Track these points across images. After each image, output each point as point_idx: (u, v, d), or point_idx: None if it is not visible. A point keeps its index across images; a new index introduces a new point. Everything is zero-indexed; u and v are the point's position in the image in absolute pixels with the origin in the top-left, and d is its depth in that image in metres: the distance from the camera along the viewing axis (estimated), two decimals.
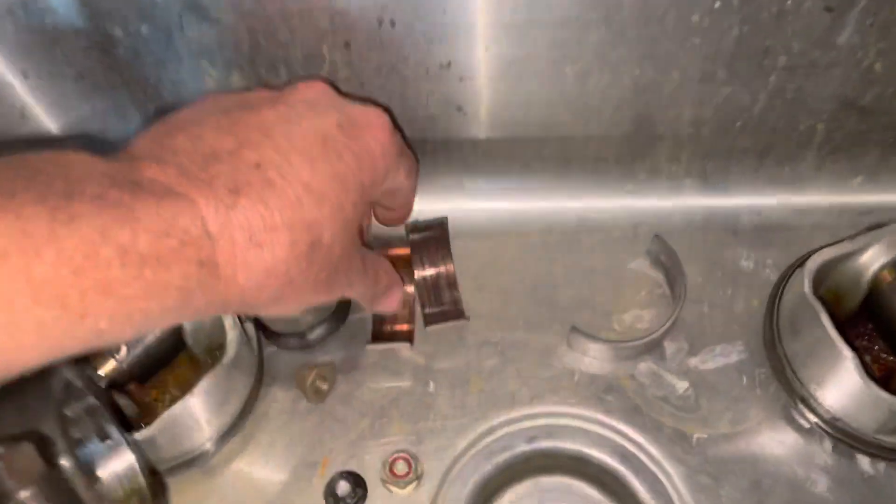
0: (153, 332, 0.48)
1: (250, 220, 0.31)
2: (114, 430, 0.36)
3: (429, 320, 0.56)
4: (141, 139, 0.34)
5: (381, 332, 0.56)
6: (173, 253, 0.28)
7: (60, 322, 0.26)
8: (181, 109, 0.37)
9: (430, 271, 0.57)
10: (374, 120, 0.39)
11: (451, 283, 0.57)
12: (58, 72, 0.51)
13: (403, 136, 0.45)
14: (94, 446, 0.36)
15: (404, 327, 0.57)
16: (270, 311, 0.35)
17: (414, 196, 0.49)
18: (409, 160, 0.43)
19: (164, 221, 0.28)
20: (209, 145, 0.32)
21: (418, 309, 0.57)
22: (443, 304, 0.57)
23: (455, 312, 0.57)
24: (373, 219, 0.52)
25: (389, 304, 0.49)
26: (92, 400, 0.35)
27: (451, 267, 0.57)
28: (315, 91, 0.39)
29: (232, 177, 0.31)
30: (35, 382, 0.32)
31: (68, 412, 0.34)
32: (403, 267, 0.56)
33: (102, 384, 0.47)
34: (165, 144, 0.32)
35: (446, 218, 0.57)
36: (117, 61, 0.51)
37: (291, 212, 0.32)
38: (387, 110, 0.40)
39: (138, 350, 0.49)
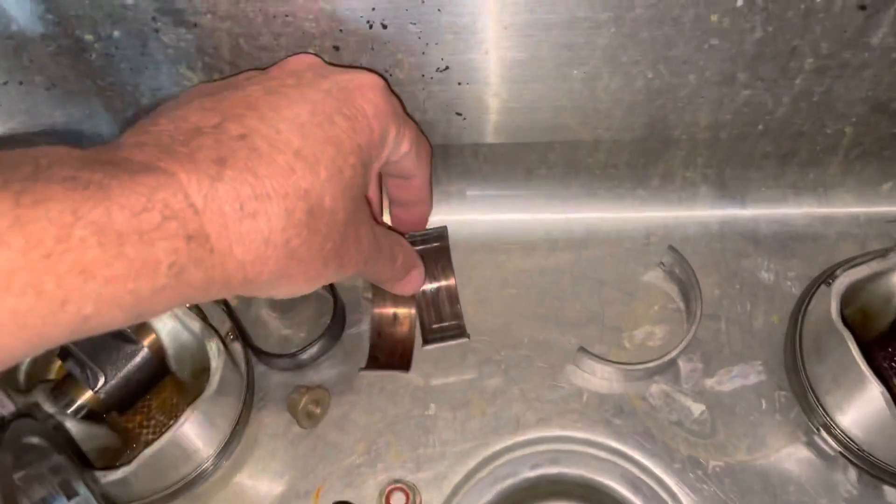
0: (157, 316, 0.46)
1: (239, 191, 0.29)
2: (81, 487, 0.33)
3: (428, 339, 0.53)
4: (125, 133, 0.32)
5: (377, 359, 0.53)
6: (155, 228, 0.26)
7: (38, 310, 0.24)
8: (167, 101, 0.35)
9: (429, 286, 0.54)
10: (365, 81, 0.37)
11: (453, 298, 0.54)
12: (28, 79, 0.48)
13: (414, 121, 0.42)
14: None
15: (404, 349, 0.53)
16: (280, 291, 0.33)
17: (429, 191, 0.46)
18: (412, 130, 0.40)
19: (142, 196, 0.26)
20: (192, 123, 0.31)
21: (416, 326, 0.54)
22: (443, 321, 0.54)
23: (456, 330, 0.53)
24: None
25: (409, 286, 0.47)
26: (56, 457, 0.32)
27: (452, 281, 0.54)
28: (302, 64, 0.38)
29: (215, 149, 0.30)
30: None
31: (26, 473, 0.31)
32: None
33: (76, 418, 0.45)
34: (146, 130, 0.31)
35: (446, 228, 0.53)
36: (90, 67, 0.48)
37: (283, 179, 0.30)
38: (382, 77, 0.38)
39: (117, 379, 0.46)
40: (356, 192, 0.35)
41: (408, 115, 0.41)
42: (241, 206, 0.29)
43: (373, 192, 0.47)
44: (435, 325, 0.54)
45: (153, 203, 0.26)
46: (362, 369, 0.52)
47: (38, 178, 0.25)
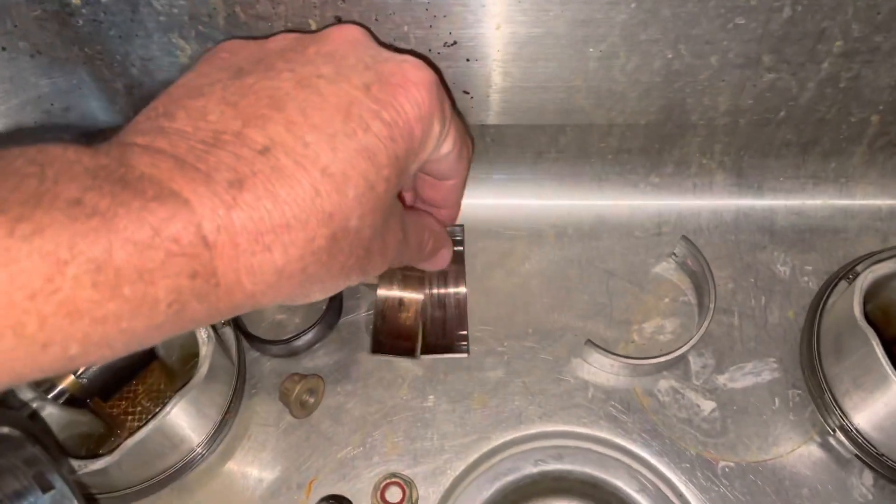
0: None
1: (255, 220, 0.26)
2: (57, 480, 0.31)
3: (426, 349, 0.49)
4: (142, 116, 0.29)
5: (382, 343, 0.50)
6: (159, 266, 0.24)
7: (17, 352, 0.22)
8: (192, 68, 0.32)
9: (436, 291, 0.51)
10: (411, 75, 0.32)
11: (461, 308, 0.50)
12: (11, 45, 0.45)
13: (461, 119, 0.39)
14: (35, 498, 0.31)
15: (409, 335, 0.50)
16: (292, 303, 0.32)
17: (462, 194, 0.42)
18: (458, 128, 0.36)
19: (150, 229, 0.24)
20: (212, 126, 0.28)
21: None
22: (445, 334, 0.50)
23: (456, 344, 0.50)
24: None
25: (435, 265, 0.44)
26: (31, 449, 0.30)
27: (462, 288, 0.50)
28: (344, 41, 0.33)
29: (234, 167, 0.27)
30: None
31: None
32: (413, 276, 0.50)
33: (57, 403, 0.42)
34: (164, 126, 0.28)
35: (462, 228, 0.49)
36: (77, 34, 0.45)
37: (306, 203, 0.27)
38: (433, 67, 0.33)
39: (100, 365, 0.43)
40: (388, 204, 0.32)
41: (455, 109, 0.37)
42: (257, 239, 0.26)
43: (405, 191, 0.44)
44: (437, 336, 0.50)
45: (160, 238, 0.24)
46: (373, 352, 0.48)
47: (41, 200, 0.22)
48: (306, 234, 0.27)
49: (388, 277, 0.51)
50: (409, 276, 0.47)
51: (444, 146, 0.35)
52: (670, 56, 0.45)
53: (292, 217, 0.27)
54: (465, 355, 0.50)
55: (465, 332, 0.50)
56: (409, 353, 0.49)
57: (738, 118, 0.49)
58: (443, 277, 0.50)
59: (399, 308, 0.51)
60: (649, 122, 0.50)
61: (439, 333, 0.50)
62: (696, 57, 0.45)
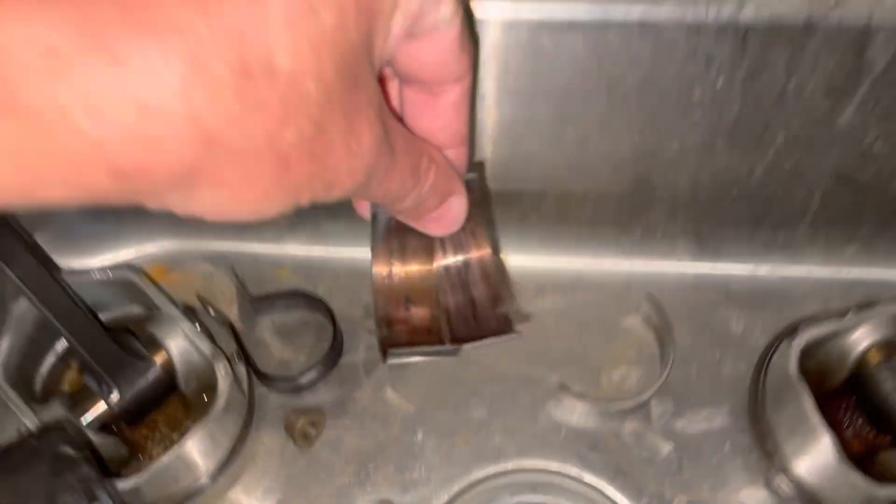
0: None
1: (85, 13, 0.16)
2: (105, 498, 0.36)
3: (457, 337, 0.36)
4: None
5: (393, 335, 0.36)
6: None
7: None
8: None
9: (452, 260, 0.36)
10: None
11: (489, 279, 0.36)
12: None
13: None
14: None
15: (430, 329, 0.36)
16: (214, 205, 0.21)
17: (468, 118, 0.30)
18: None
19: None
20: None
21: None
22: (476, 315, 0.37)
23: (498, 323, 0.36)
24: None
25: (444, 222, 0.31)
26: (85, 469, 0.35)
27: (485, 250, 0.36)
28: None
29: None
30: (28, 462, 0.33)
31: (58, 482, 0.34)
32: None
33: (93, 428, 0.48)
34: None
35: (481, 168, 0.37)
36: None
37: (189, 2, 0.17)
38: None
39: (130, 394, 0.49)
40: (348, 57, 0.21)
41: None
42: (90, 45, 0.16)
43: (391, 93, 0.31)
44: (471, 331, 0.36)
45: None
46: (392, 355, 0.35)
47: None
48: (192, 50, 0.17)
49: (384, 248, 0.35)
50: (410, 244, 0.35)
51: (442, 6, 0.25)
52: (637, 140, 0.51)
53: (163, 19, 0.17)
54: (514, 334, 0.36)
55: (503, 306, 0.37)
56: (438, 342, 0.36)
57: (697, 193, 0.56)
58: (457, 240, 0.36)
59: (406, 306, 0.37)
60: (620, 193, 0.56)
61: (469, 320, 0.37)
62: (659, 141, 0.51)
